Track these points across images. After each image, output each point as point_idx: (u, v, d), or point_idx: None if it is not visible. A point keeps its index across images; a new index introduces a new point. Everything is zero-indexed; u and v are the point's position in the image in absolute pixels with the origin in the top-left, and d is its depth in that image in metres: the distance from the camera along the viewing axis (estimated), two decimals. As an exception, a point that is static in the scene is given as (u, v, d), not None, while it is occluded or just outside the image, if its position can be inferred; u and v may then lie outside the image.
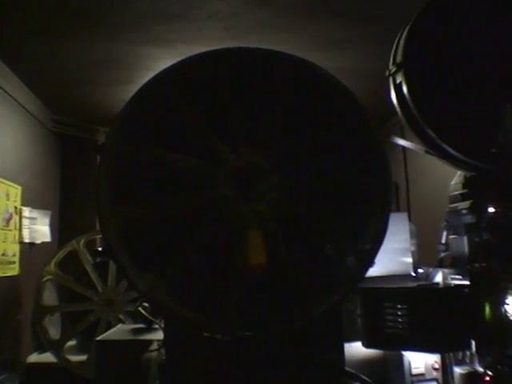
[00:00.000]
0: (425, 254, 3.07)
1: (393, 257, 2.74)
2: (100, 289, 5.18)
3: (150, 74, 1.83)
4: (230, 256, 1.81)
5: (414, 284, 2.35)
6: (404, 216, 2.90)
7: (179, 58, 1.83)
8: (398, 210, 8.35)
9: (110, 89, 5.20)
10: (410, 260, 2.79)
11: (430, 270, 2.57)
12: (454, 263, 2.48)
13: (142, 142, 1.81)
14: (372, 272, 2.56)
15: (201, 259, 1.80)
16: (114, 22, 3.87)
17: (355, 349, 2.35)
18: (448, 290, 2.27)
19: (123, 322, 4.68)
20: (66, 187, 6.50)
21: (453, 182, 2.55)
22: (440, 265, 2.62)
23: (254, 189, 1.85)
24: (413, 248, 2.86)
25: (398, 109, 2.34)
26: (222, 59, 1.89)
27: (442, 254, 2.63)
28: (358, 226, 1.95)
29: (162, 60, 4.39)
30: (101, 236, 4.00)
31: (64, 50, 4.35)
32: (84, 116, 6.28)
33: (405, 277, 2.69)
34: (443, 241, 2.63)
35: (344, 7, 3.65)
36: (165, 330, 2.13)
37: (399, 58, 2.27)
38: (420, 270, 2.73)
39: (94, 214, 4.27)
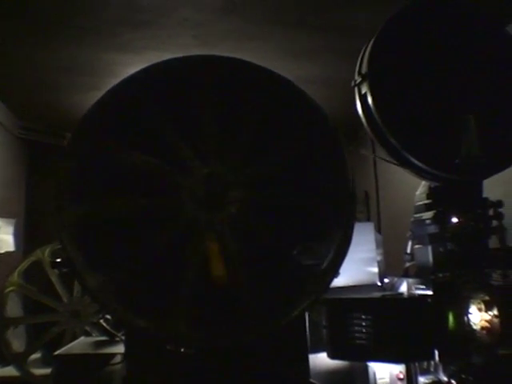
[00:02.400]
0: (395, 263, 3.08)
1: (359, 267, 2.75)
2: (65, 299, 5.08)
3: (118, 81, 1.82)
4: (188, 266, 1.79)
5: (379, 294, 2.35)
6: (370, 226, 2.91)
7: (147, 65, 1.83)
8: (368, 218, 8.42)
9: (78, 95, 5.15)
10: (376, 270, 2.79)
11: (396, 279, 2.58)
12: (419, 273, 2.49)
13: (103, 142, 1.79)
14: (338, 282, 2.57)
15: (159, 268, 1.77)
16: (81, 28, 3.84)
17: (321, 360, 2.34)
18: (411, 300, 2.27)
19: (89, 334, 4.59)
20: (32, 195, 6.38)
21: (418, 192, 2.57)
22: (405, 274, 2.63)
23: (215, 199, 1.83)
24: (379, 258, 2.87)
25: (363, 119, 2.35)
26: (190, 66, 1.88)
27: (408, 264, 2.64)
28: (321, 237, 1.95)
29: (131, 66, 4.26)
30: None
31: (31, 55, 4.31)
32: (52, 122, 6.21)
33: (371, 287, 2.70)
34: (408, 250, 2.64)
35: (313, 17, 3.68)
36: (126, 343, 2.09)
37: (364, 69, 2.28)
38: (386, 280, 2.73)
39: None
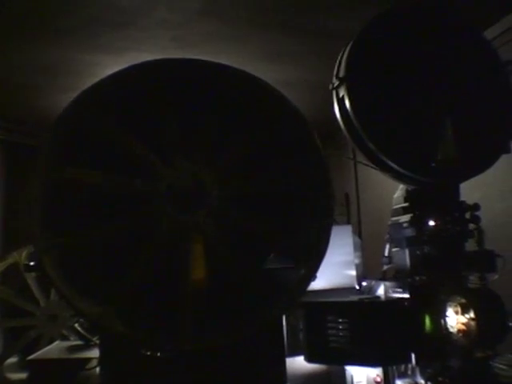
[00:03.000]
0: (376, 266, 3.09)
1: (337, 270, 2.75)
2: (42, 303, 5.02)
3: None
4: (172, 272, 1.78)
5: (356, 298, 2.35)
6: (348, 229, 2.91)
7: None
8: (348, 220, 8.44)
9: (58, 95, 5.10)
10: (353, 273, 2.80)
11: (373, 282, 2.58)
12: (397, 276, 2.49)
13: (69, 166, 1.76)
14: (316, 285, 2.57)
15: (144, 277, 1.75)
16: (60, 28, 3.81)
17: (299, 363, 2.34)
18: (388, 303, 2.28)
19: (67, 338, 4.54)
20: (10, 196, 6.30)
21: (395, 195, 2.57)
22: (383, 277, 2.63)
23: (192, 201, 1.83)
24: (357, 261, 2.87)
25: (340, 122, 2.34)
26: (157, 70, 1.86)
27: (385, 267, 2.64)
28: (299, 240, 1.95)
29: (110, 67, 4.21)
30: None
31: (10, 55, 4.26)
32: (33, 123, 6.14)
33: (349, 290, 2.70)
34: (386, 254, 2.65)
35: (292, 19, 3.68)
36: (101, 348, 2.07)
37: (342, 73, 2.28)
38: (364, 283, 2.73)
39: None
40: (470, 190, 2.80)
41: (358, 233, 7.93)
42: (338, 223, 3.14)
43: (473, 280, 2.36)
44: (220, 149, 1.86)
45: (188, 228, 1.81)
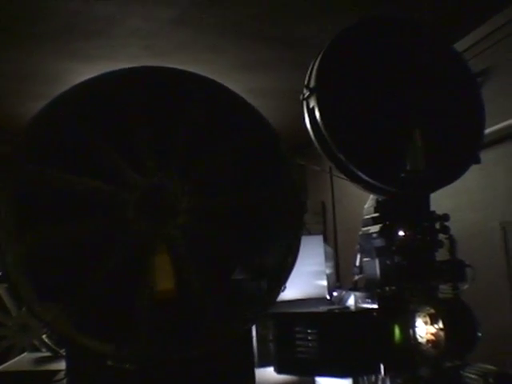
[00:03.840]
0: (350, 275, 3.08)
1: (308, 280, 2.74)
2: (13, 313, 4.95)
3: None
4: (137, 282, 1.76)
5: (325, 308, 2.35)
6: (319, 239, 2.91)
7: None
8: (324, 229, 8.46)
9: (34, 103, 5.02)
10: (324, 283, 2.79)
11: (344, 293, 2.58)
12: (368, 286, 2.49)
13: (44, 165, 1.75)
14: (288, 295, 2.56)
15: (107, 286, 1.73)
16: (34, 36, 3.79)
17: (269, 374, 2.32)
18: (356, 314, 2.28)
19: (39, 349, 4.47)
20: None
21: (366, 206, 2.57)
22: (354, 288, 2.63)
23: (162, 212, 1.81)
24: (328, 271, 2.87)
25: (311, 133, 2.34)
26: (127, 79, 1.85)
27: (356, 277, 2.65)
28: (268, 251, 1.94)
29: (84, 75, 4.14)
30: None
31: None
32: (9, 130, 6.03)
33: (320, 300, 2.70)
34: (357, 264, 2.65)
35: (265, 29, 3.69)
36: (67, 359, 2.04)
37: (312, 83, 2.28)
38: (335, 293, 2.73)
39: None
40: (441, 201, 2.82)
41: (334, 241, 7.96)
42: (310, 233, 3.14)
43: (445, 290, 2.37)
44: (192, 161, 1.85)
45: (155, 238, 1.79)
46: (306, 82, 2.35)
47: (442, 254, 2.41)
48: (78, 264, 1.73)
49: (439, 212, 2.40)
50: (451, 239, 2.40)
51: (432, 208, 2.42)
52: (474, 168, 2.71)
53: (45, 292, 1.69)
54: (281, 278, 1.93)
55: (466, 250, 2.45)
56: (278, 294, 1.95)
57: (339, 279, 3.62)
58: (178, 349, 1.79)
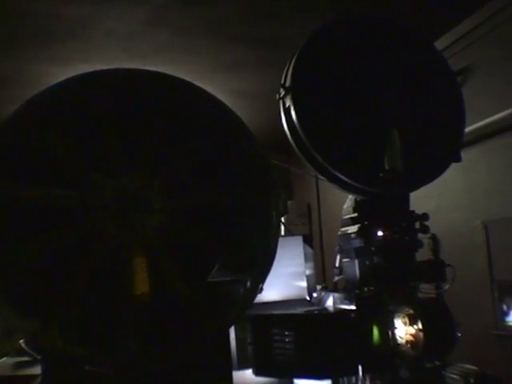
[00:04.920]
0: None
1: (287, 281, 2.72)
2: (-6, 318, 4.88)
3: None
4: (115, 288, 1.74)
5: (302, 310, 2.33)
6: (298, 239, 2.88)
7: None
8: (310, 230, 8.47)
9: (9, 106, 4.97)
10: (304, 284, 2.77)
11: (323, 294, 2.55)
12: (347, 287, 2.48)
13: (9, 178, 1.72)
14: (267, 297, 2.55)
15: (85, 290, 1.71)
16: (9, 39, 3.73)
17: (249, 376, 2.30)
18: (333, 315, 2.26)
19: (20, 354, 4.40)
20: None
21: (345, 206, 2.56)
22: (334, 289, 2.61)
23: (134, 213, 1.79)
24: (308, 272, 2.84)
25: (287, 133, 2.32)
26: (90, 81, 1.83)
27: (336, 278, 2.63)
28: (244, 252, 1.92)
29: (60, 78, 4.19)
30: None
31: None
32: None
33: (300, 301, 2.67)
34: (337, 264, 2.63)
35: (243, 30, 3.67)
36: (42, 364, 2.01)
37: (288, 82, 2.26)
38: (314, 295, 2.71)
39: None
40: (424, 201, 2.82)
41: (320, 242, 7.97)
42: (290, 233, 3.13)
43: (427, 290, 2.36)
44: (163, 161, 1.82)
45: (130, 241, 1.77)
46: (282, 82, 2.33)
47: (425, 255, 2.40)
48: (54, 274, 1.70)
49: (421, 212, 2.37)
50: (434, 239, 2.38)
51: (415, 208, 2.39)
52: (456, 167, 2.70)
53: (24, 307, 1.67)
54: (258, 280, 1.91)
55: (449, 249, 2.44)
56: (254, 295, 1.93)
57: (325, 280, 3.61)
58: (155, 354, 1.76)
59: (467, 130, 3.99)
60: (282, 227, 2.50)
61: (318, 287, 2.77)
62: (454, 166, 2.55)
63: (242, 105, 4.19)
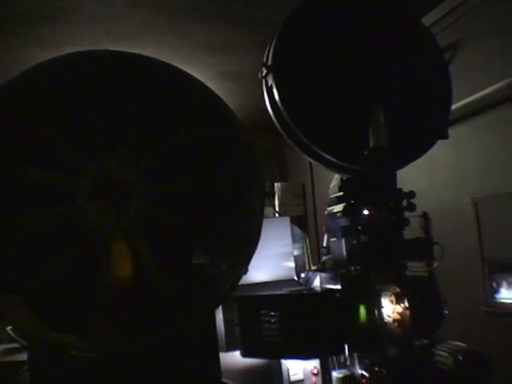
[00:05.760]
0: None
1: (275, 262, 2.71)
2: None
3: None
4: (96, 270, 1.72)
5: (287, 290, 2.32)
6: (286, 220, 2.87)
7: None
8: (304, 211, 8.46)
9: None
10: (292, 265, 2.76)
11: (310, 274, 2.55)
12: (335, 267, 2.46)
13: None
14: (256, 278, 2.54)
15: (66, 275, 1.69)
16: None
17: (237, 358, 2.30)
18: (318, 295, 2.24)
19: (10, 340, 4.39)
20: None
21: (331, 185, 2.54)
22: (322, 268, 2.60)
23: (115, 197, 1.77)
24: (296, 252, 2.83)
25: (270, 112, 2.29)
26: (70, 64, 1.79)
27: (324, 258, 2.62)
28: (228, 233, 1.91)
29: None
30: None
31: None
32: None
33: (289, 282, 2.67)
34: (325, 244, 2.62)
35: (231, 11, 3.60)
36: (28, 349, 2.00)
37: (270, 61, 2.23)
38: (302, 275, 2.70)
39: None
40: (415, 178, 2.81)
41: (314, 223, 7.95)
42: (278, 215, 3.11)
43: (416, 268, 2.35)
44: (145, 145, 1.80)
45: (111, 226, 1.75)
46: (264, 61, 2.29)
47: (416, 233, 2.39)
48: (33, 260, 1.68)
49: (413, 190, 2.35)
50: (425, 217, 2.37)
51: (406, 186, 2.37)
52: (446, 144, 2.68)
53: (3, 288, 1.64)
54: (242, 261, 1.90)
55: (440, 227, 2.43)
56: (239, 277, 1.92)
57: (320, 260, 3.60)
58: (139, 337, 1.75)
59: (456, 106, 3.98)
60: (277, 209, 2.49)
61: (314, 268, 2.77)
62: (444, 143, 2.53)
63: (232, 87, 4.16)
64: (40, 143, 1.72)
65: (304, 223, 8.02)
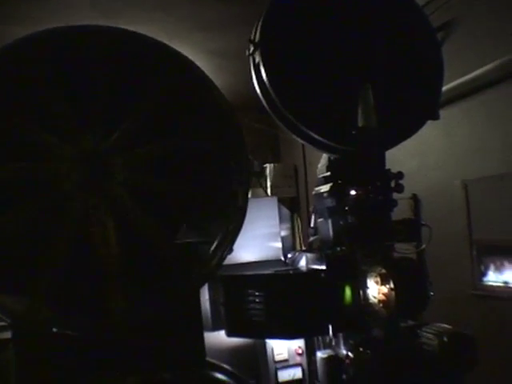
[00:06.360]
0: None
1: (262, 242, 2.70)
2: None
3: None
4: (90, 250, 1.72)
5: (272, 270, 2.31)
6: (273, 201, 2.84)
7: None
8: (297, 192, 8.44)
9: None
10: (279, 245, 2.75)
11: (297, 254, 2.53)
12: (322, 247, 2.45)
13: None
14: (242, 258, 2.53)
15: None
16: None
17: (222, 337, 2.30)
18: (302, 275, 2.23)
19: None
20: None
21: (319, 165, 2.52)
22: (309, 249, 2.59)
23: (99, 173, 1.75)
24: (283, 233, 2.82)
25: (258, 90, 2.26)
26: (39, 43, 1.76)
27: (311, 238, 2.60)
28: (212, 214, 1.90)
29: None
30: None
31: None
32: None
33: (275, 262, 2.66)
34: (312, 224, 2.60)
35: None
36: (12, 327, 1.99)
37: (257, 37, 2.19)
38: (289, 255, 2.69)
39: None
40: (406, 160, 2.79)
41: (306, 204, 7.94)
42: (266, 193, 3.09)
43: (404, 249, 2.34)
44: (120, 116, 1.78)
45: (98, 202, 1.73)
46: (251, 37, 2.25)
47: (407, 215, 2.38)
48: (31, 246, 1.68)
49: (402, 171, 2.33)
50: (415, 199, 2.35)
51: (397, 168, 2.33)
52: (438, 126, 2.66)
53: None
54: (226, 240, 1.89)
55: (430, 209, 2.41)
56: (223, 256, 1.91)
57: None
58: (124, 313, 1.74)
59: (449, 86, 3.95)
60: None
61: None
62: (435, 125, 2.50)
63: (221, 65, 4.10)
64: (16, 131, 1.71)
65: (296, 205, 8.00)
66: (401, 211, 2.33)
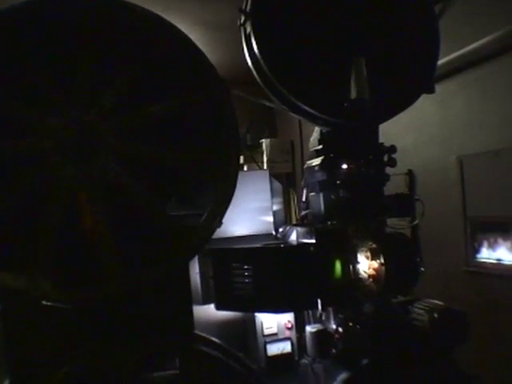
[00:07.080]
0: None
1: (254, 216, 2.68)
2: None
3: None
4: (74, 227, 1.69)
5: (260, 244, 2.29)
6: (265, 174, 2.82)
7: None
8: (293, 168, 8.41)
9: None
10: (271, 219, 2.73)
11: (288, 228, 2.52)
12: (314, 221, 2.43)
13: None
14: (233, 231, 2.51)
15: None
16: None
17: (212, 311, 2.29)
18: (291, 248, 2.22)
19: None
20: None
21: (311, 138, 2.49)
22: (301, 223, 2.58)
23: (87, 146, 1.72)
24: (276, 207, 2.80)
25: (249, 62, 2.22)
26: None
27: (303, 212, 2.59)
28: (201, 187, 1.88)
29: None
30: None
31: None
32: None
33: (266, 236, 2.65)
34: (304, 198, 2.58)
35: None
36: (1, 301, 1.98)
37: (248, 7, 2.14)
38: (280, 229, 2.67)
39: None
40: (401, 135, 2.75)
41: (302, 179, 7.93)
42: (258, 167, 3.06)
43: (398, 225, 2.33)
44: (105, 85, 1.74)
45: (90, 178, 1.70)
46: (243, 7, 2.20)
47: (402, 191, 2.36)
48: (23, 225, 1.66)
49: (396, 145, 2.30)
50: (410, 175, 2.33)
51: (393, 142, 2.30)
52: (433, 101, 2.63)
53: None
54: (216, 213, 1.86)
55: (425, 184, 2.40)
56: (212, 229, 1.88)
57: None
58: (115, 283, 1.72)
59: (445, 60, 3.89)
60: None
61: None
62: (431, 100, 2.47)
63: (216, 37, 4.04)
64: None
65: (292, 180, 7.97)
66: (396, 187, 2.31)
